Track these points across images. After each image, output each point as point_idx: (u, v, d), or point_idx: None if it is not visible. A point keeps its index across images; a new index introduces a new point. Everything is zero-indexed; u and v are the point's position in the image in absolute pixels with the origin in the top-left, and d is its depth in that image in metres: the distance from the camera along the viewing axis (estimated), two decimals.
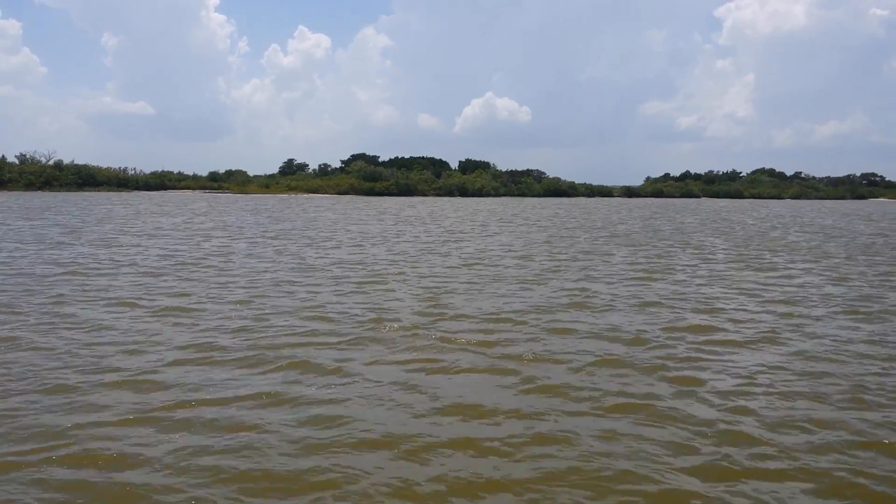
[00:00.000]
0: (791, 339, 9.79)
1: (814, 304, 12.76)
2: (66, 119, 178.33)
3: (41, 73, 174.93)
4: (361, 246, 22.68)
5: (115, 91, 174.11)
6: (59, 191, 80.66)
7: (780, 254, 22.40)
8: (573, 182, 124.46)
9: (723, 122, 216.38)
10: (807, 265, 19.20)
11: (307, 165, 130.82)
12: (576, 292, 13.60)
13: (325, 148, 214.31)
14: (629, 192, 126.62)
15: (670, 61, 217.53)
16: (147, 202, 57.61)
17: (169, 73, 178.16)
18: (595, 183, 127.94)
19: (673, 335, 9.96)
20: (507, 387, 7.50)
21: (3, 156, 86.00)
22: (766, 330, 10.37)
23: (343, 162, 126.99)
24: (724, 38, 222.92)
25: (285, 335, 9.51)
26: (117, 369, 7.78)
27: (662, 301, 12.73)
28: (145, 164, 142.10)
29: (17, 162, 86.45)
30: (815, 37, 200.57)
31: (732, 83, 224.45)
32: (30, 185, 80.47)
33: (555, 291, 13.76)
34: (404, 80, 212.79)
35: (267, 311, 11.14)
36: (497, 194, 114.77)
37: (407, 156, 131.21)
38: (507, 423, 6.41)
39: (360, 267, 17.13)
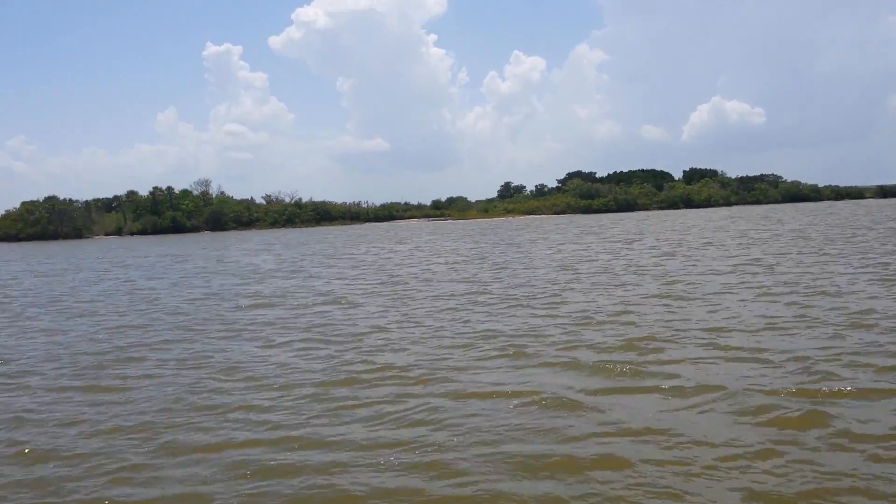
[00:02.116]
0: None
1: None
2: (315, 159, 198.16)
3: (289, 120, 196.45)
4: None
5: (354, 130, 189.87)
6: (299, 226, 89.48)
7: None
8: (815, 185, 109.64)
9: None
10: None
11: (524, 187, 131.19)
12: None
13: (547, 168, 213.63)
14: (883, 192, 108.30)
15: None
16: (347, 235, 60.81)
17: (399, 109, 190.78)
18: (843, 185, 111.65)
19: None
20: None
21: (251, 197, 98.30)
22: None
23: (559, 181, 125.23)
24: None
25: None
26: None
27: None
28: (384, 197, 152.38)
29: (263, 202, 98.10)
30: None
31: None
32: (274, 223, 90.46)
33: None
34: (623, 92, 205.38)
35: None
36: (727, 203, 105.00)
37: (630, 170, 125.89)
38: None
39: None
